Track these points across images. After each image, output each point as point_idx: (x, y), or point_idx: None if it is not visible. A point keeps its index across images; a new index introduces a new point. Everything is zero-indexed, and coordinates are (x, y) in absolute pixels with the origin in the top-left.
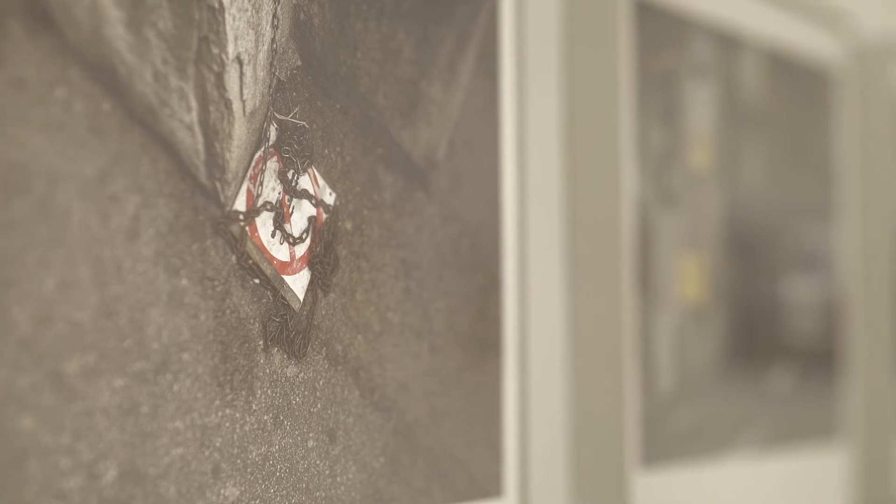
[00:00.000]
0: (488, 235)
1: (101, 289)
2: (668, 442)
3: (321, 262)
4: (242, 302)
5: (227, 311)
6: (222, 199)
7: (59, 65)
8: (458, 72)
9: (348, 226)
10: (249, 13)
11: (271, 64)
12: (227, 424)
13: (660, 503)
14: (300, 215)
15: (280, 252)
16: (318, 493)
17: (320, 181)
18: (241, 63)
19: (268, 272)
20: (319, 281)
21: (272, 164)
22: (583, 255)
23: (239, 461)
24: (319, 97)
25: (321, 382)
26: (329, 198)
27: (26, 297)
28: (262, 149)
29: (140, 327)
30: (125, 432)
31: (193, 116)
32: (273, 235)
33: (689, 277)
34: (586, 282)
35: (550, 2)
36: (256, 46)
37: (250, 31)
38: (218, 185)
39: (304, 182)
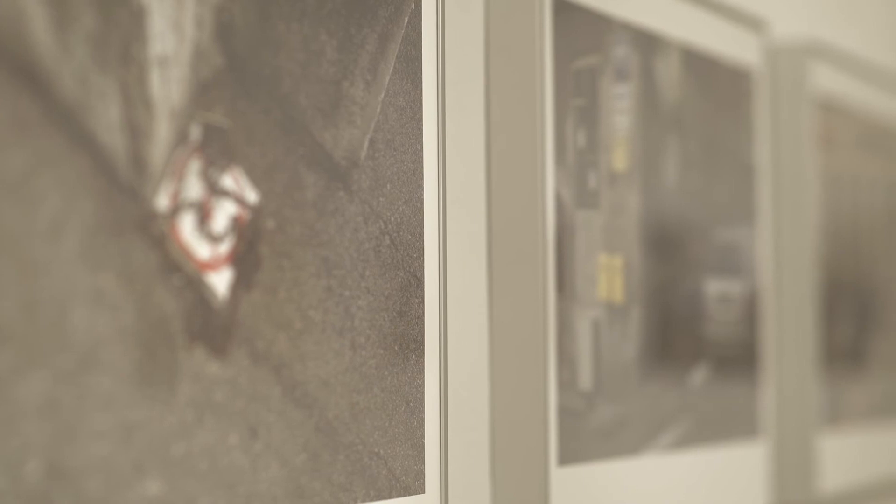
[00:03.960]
0: (410, 234)
1: (22, 286)
2: (588, 439)
3: (243, 260)
4: (164, 300)
5: (150, 309)
6: (144, 198)
7: None
8: (379, 72)
9: (270, 225)
10: (173, 13)
11: (194, 64)
12: (149, 421)
13: (580, 500)
14: (222, 214)
15: (202, 250)
16: (240, 490)
17: (242, 180)
18: (163, 63)
19: (189, 270)
20: (241, 279)
21: (194, 164)
22: (504, 253)
23: (161, 458)
24: (242, 97)
25: (243, 379)
26: (251, 197)
27: None
28: (185, 148)
29: (62, 325)
30: (47, 429)
31: (115, 116)
32: (195, 234)
33: (610, 277)
34: (507, 281)
35: (472, 2)
36: (179, 46)
37: (173, 31)
38: (140, 184)
39: (227, 181)
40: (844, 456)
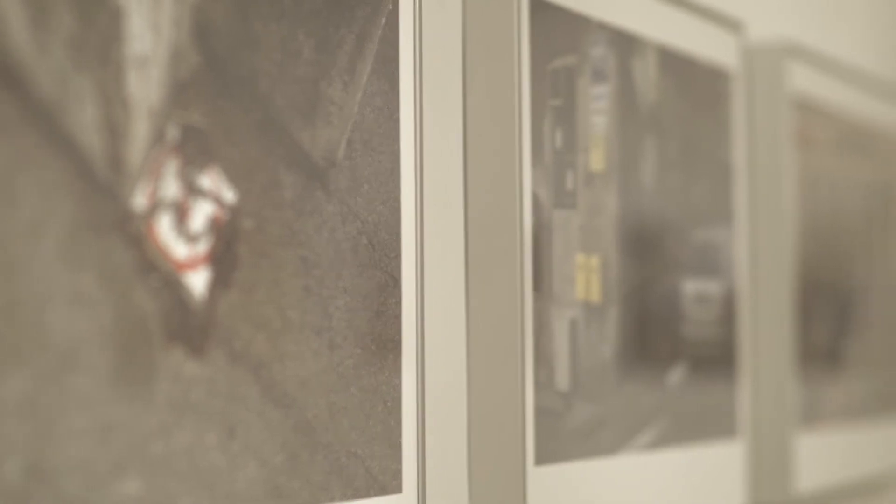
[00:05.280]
0: (387, 234)
1: (2, 287)
2: (566, 439)
3: (221, 260)
4: (143, 300)
5: (127, 309)
6: (121, 197)
7: None
8: (357, 73)
9: (248, 224)
10: (151, 13)
11: (172, 64)
12: (128, 421)
13: (557, 500)
14: (200, 214)
15: (179, 250)
16: (218, 489)
17: (220, 180)
18: (141, 63)
19: (167, 270)
20: (219, 279)
21: (172, 163)
22: (481, 253)
23: (139, 457)
24: (220, 97)
25: (221, 379)
26: (229, 196)
27: None
28: (162, 148)
29: (41, 325)
30: (25, 429)
31: (93, 116)
32: (172, 234)
33: (587, 277)
34: (485, 280)
35: (450, 2)
36: (157, 46)
37: (151, 31)
38: (117, 183)
39: (204, 181)
40: (821, 456)
